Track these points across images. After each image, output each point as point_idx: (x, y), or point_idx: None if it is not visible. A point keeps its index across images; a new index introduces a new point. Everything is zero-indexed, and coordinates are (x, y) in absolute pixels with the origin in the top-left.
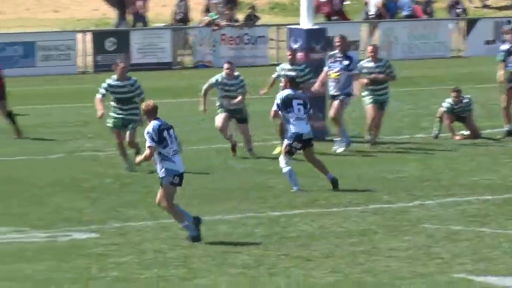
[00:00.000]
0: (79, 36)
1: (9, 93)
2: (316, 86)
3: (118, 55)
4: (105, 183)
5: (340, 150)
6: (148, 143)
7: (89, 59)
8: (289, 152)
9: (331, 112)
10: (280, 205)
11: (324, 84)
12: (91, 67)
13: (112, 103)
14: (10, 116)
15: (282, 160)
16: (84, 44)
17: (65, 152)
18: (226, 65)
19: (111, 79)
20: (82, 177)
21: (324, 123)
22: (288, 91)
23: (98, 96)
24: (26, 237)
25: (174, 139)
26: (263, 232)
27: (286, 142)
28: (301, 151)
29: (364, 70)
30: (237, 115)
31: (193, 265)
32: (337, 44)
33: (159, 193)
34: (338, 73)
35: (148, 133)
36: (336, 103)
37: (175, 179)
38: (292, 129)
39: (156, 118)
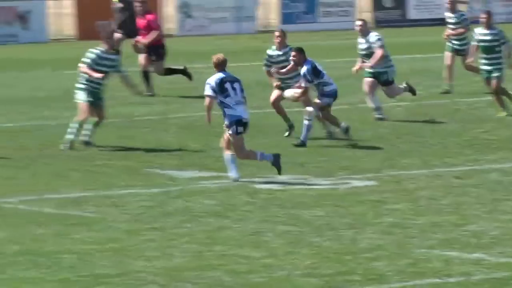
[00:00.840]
0: None
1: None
2: None
3: (396, 11)
4: (380, 132)
5: None
6: (205, 92)
7: (368, 16)
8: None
9: None
10: None
11: None
12: (370, 23)
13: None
14: (170, 71)
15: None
16: (364, 1)
17: (346, 104)
18: (358, 22)
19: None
20: (360, 127)
21: None
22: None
23: None
24: (307, 184)
25: (240, 92)
26: None
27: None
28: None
29: None
30: (380, 78)
31: (465, 212)
32: None
33: (225, 136)
34: None
35: (208, 83)
36: None
37: (239, 129)
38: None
39: (222, 71)
